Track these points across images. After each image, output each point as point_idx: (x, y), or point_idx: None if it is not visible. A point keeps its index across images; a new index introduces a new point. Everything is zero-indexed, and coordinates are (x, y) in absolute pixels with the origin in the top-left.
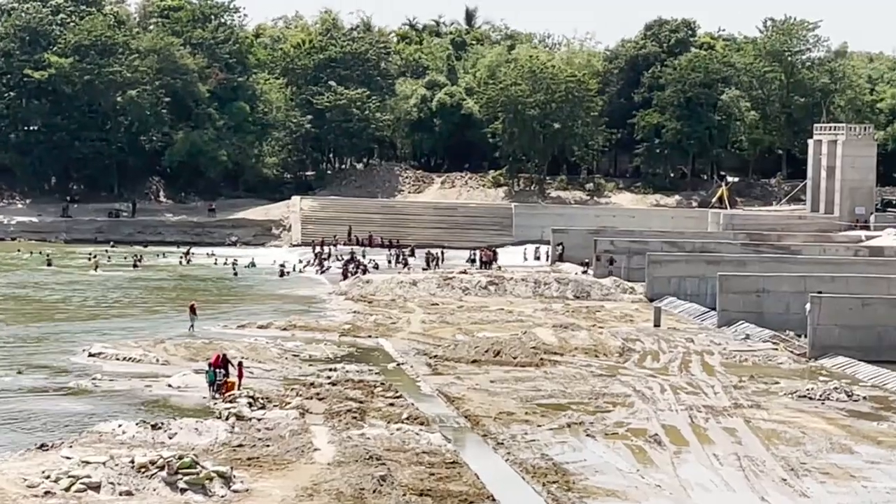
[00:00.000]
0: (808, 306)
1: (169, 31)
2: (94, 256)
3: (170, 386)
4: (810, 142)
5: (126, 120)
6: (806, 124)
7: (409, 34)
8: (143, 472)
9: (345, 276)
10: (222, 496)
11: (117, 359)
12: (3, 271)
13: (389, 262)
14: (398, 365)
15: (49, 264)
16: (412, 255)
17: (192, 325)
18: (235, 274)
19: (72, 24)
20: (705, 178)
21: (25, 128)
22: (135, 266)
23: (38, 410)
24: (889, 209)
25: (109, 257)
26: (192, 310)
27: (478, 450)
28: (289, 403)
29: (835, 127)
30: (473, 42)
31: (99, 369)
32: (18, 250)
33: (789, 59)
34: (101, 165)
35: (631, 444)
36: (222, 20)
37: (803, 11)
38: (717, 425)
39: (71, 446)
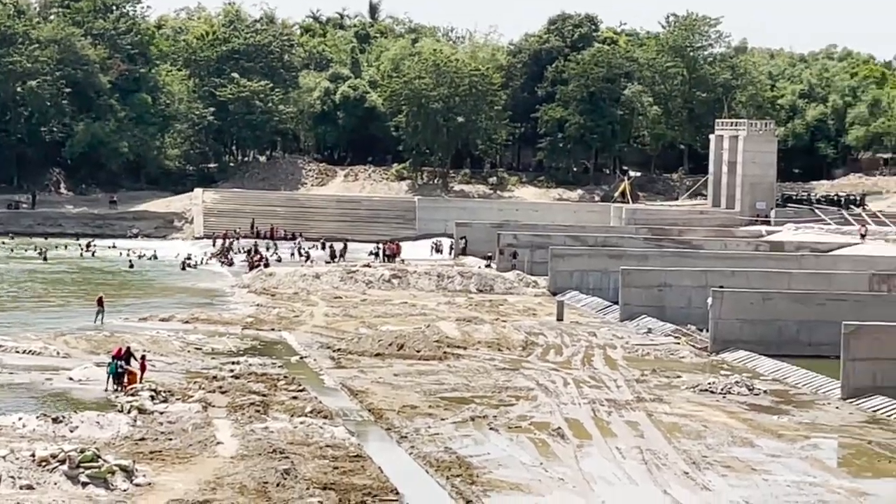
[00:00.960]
0: (709, 301)
1: (70, 21)
2: None
3: (71, 379)
4: (712, 137)
5: (26, 111)
6: (708, 120)
7: (313, 27)
8: (44, 466)
9: (250, 269)
10: (124, 490)
11: (17, 352)
12: None
13: (292, 254)
14: (301, 358)
15: None
16: (324, 248)
17: (100, 318)
18: (131, 266)
19: None
20: (608, 172)
21: None
22: (44, 259)
23: None
24: (789, 204)
25: (12, 249)
26: (100, 302)
27: (381, 443)
28: (191, 397)
29: (736, 122)
30: (377, 35)
31: None
32: None
33: (691, 54)
34: None
35: (534, 438)
36: (124, 11)
37: (705, 7)
38: (619, 419)
39: None
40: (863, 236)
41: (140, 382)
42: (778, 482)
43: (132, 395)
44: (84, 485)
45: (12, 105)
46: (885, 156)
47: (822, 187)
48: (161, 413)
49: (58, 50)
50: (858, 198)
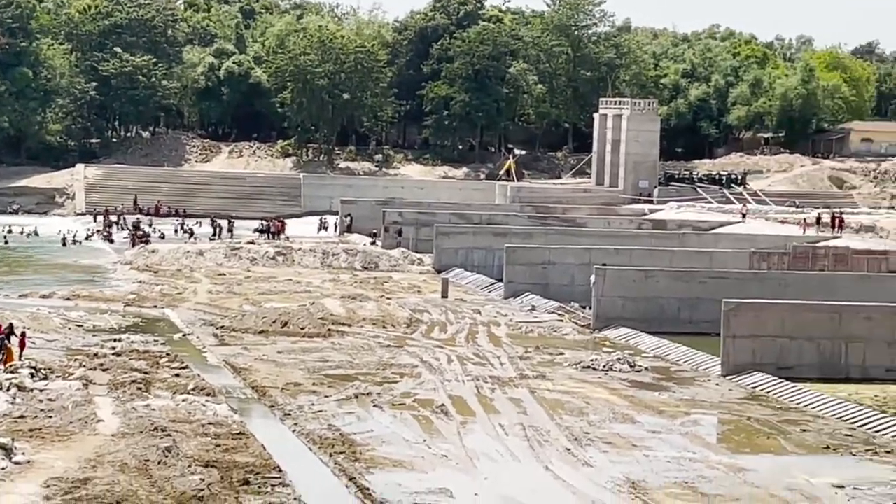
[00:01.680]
0: (592, 278)
1: None
2: None
3: None
4: (596, 116)
5: None
6: (592, 98)
7: (197, 2)
8: None
9: (133, 245)
10: (2, 468)
11: None
12: None
13: (176, 231)
14: (184, 335)
15: None
16: (212, 225)
17: None
18: (6, 243)
19: None
20: (493, 150)
21: None
22: None
23: None
24: (672, 183)
25: None
26: None
27: (265, 420)
28: (72, 374)
29: (619, 101)
30: (262, 11)
31: None
32: None
33: (576, 33)
34: None
35: (418, 415)
36: None
37: None
38: (503, 396)
39: None
40: (744, 215)
41: (20, 360)
42: (658, 458)
43: (11, 372)
44: None
45: None
46: (766, 135)
47: (704, 166)
48: (41, 391)
49: None
50: (740, 177)
